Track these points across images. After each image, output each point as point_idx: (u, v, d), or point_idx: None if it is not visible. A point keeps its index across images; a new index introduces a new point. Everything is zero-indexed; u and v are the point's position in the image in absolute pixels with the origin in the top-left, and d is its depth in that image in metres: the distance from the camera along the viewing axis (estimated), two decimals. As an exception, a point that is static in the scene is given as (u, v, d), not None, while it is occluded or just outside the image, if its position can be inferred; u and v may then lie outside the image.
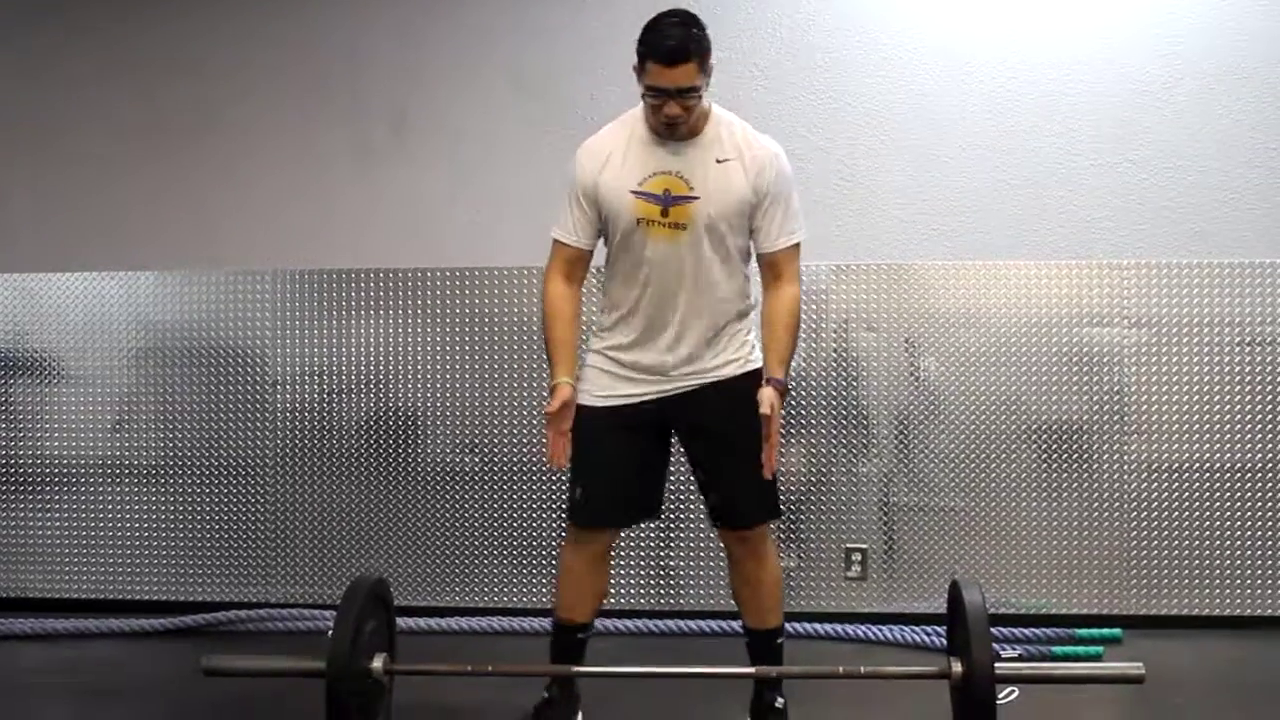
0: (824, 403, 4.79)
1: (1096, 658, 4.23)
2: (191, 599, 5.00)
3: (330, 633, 3.06)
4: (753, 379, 3.36)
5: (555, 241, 3.44)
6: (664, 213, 3.33)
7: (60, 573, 5.08)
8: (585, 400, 3.39)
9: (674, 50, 3.16)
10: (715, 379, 3.41)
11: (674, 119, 3.24)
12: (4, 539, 5.12)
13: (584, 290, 3.49)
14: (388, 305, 4.99)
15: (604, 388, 3.41)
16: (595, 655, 3.72)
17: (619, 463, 3.43)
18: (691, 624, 4.68)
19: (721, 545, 3.60)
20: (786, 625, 4.57)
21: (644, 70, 3.21)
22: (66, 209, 5.30)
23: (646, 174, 3.33)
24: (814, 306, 4.79)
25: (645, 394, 3.41)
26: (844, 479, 4.78)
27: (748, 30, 5.00)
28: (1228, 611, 4.63)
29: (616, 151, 3.36)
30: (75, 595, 5.06)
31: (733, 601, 3.64)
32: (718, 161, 3.34)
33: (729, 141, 3.37)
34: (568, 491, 3.48)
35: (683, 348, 3.39)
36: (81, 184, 5.30)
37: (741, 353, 3.45)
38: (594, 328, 3.51)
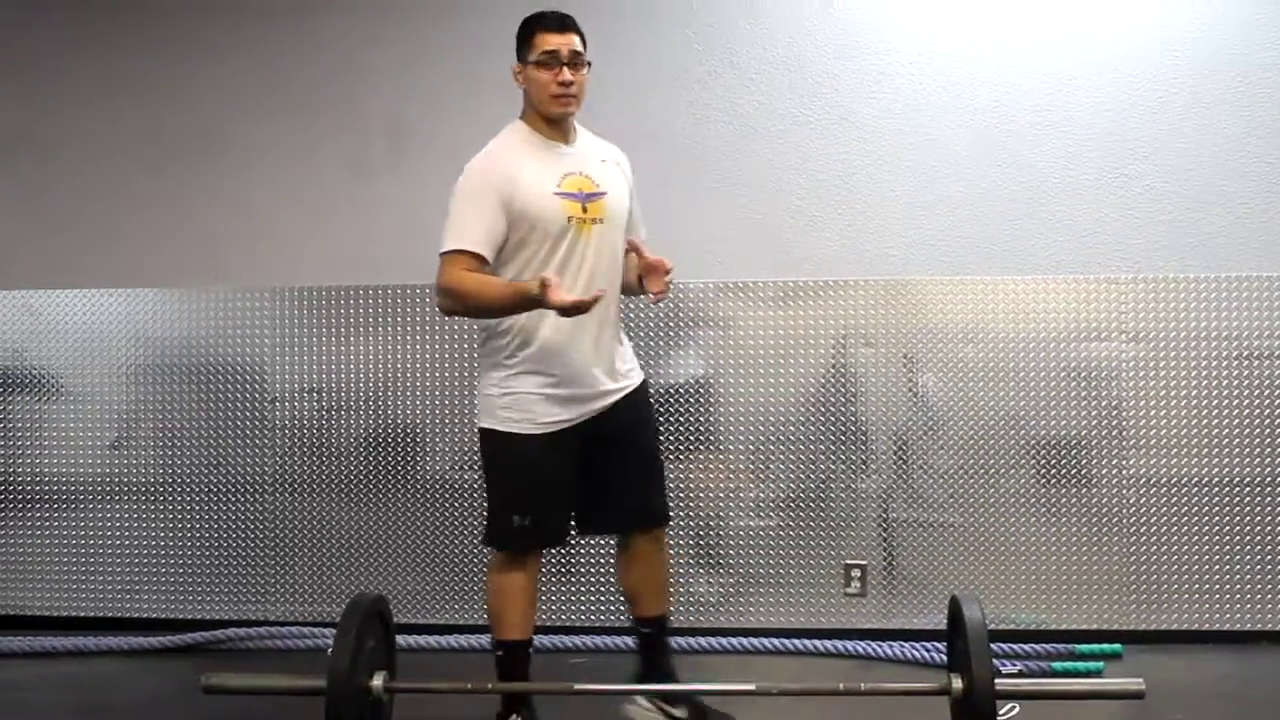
0: (823, 418, 4.79)
1: (1097, 673, 4.23)
2: (191, 616, 4.99)
3: (330, 650, 3.07)
4: (645, 384, 3.67)
5: (457, 253, 3.36)
6: (584, 209, 3.45)
7: (59, 590, 5.07)
8: (523, 429, 3.44)
9: (562, 17, 3.45)
10: (626, 389, 3.57)
11: (568, 84, 3.39)
12: (2, 557, 5.11)
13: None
14: (387, 321, 4.99)
15: (541, 414, 3.45)
16: (576, 672, 3.73)
17: (561, 488, 3.54)
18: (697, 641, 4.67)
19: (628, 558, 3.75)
20: (787, 641, 4.62)
21: (533, 45, 3.40)
22: (66, 225, 5.30)
23: (559, 176, 3.44)
24: (811, 322, 4.79)
25: (577, 416, 3.48)
26: (843, 495, 4.78)
27: (745, 47, 5.02)
28: (1228, 627, 4.63)
29: (521, 161, 3.43)
30: (74, 613, 5.05)
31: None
32: (601, 161, 3.56)
33: (599, 146, 3.62)
34: (494, 520, 3.54)
35: (603, 347, 3.50)
36: (81, 200, 5.30)
37: (633, 360, 3.68)
38: (501, 355, 3.49)
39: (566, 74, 3.39)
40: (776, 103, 5.00)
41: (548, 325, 3.38)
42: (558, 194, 3.41)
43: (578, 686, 3.53)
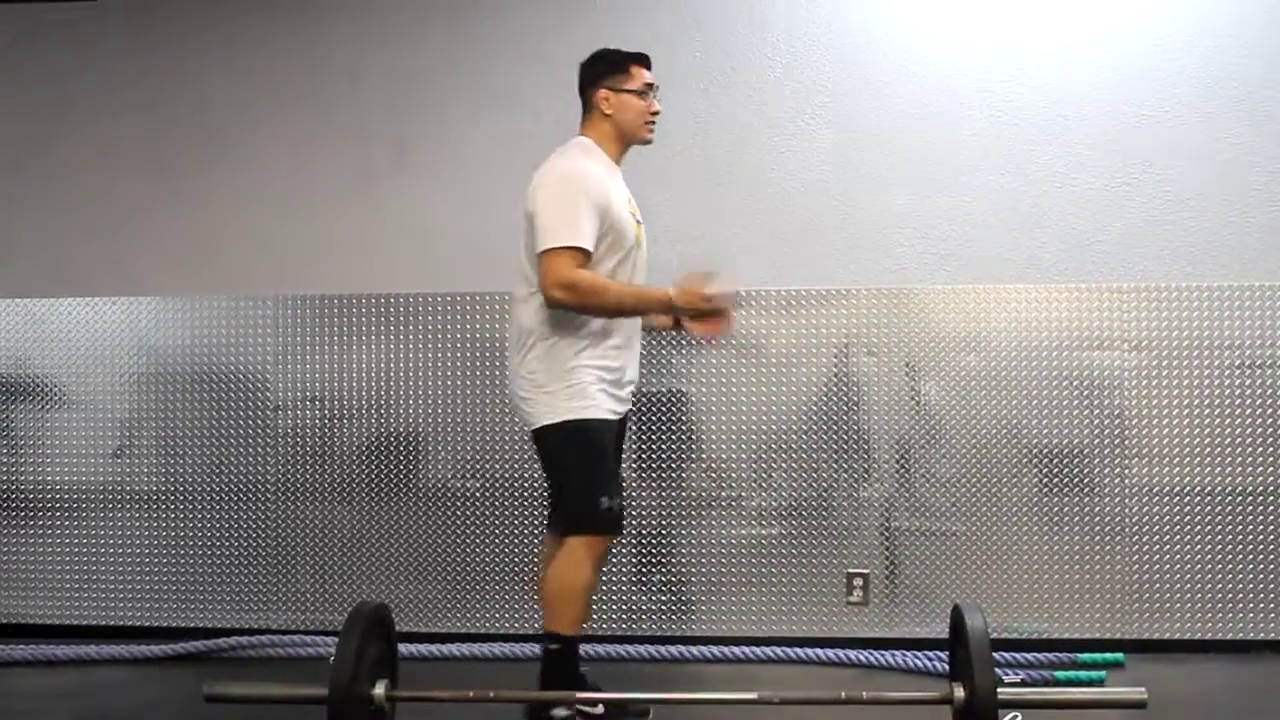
0: (825, 427, 4.79)
1: (1099, 682, 4.22)
2: (193, 625, 4.99)
3: (332, 659, 3.07)
4: None
5: (572, 249, 3.49)
6: (639, 232, 3.76)
7: (62, 599, 5.07)
8: (597, 414, 3.59)
9: (648, 57, 3.82)
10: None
11: (657, 114, 3.79)
12: (5, 565, 5.11)
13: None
14: (389, 329, 5.00)
15: (607, 405, 3.63)
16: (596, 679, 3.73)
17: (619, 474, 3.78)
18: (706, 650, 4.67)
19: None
20: (789, 650, 4.62)
21: (632, 75, 3.74)
22: (69, 233, 5.30)
23: (625, 198, 3.73)
24: (814, 330, 4.80)
25: (622, 411, 3.74)
26: (845, 504, 4.78)
27: (747, 56, 5.02)
28: (1230, 636, 4.63)
29: (608, 177, 3.67)
30: (77, 621, 5.05)
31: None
32: None
33: None
34: (587, 506, 3.55)
35: (637, 352, 3.81)
36: (84, 208, 5.30)
37: None
38: (571, 351, 3.60)
39: (657, 105, 3.78)
40: (776, 111, 5.00)
41: (620, 330, 3.67)
42: (632, 214, 3.71)
43: (580, 695, 3.51)
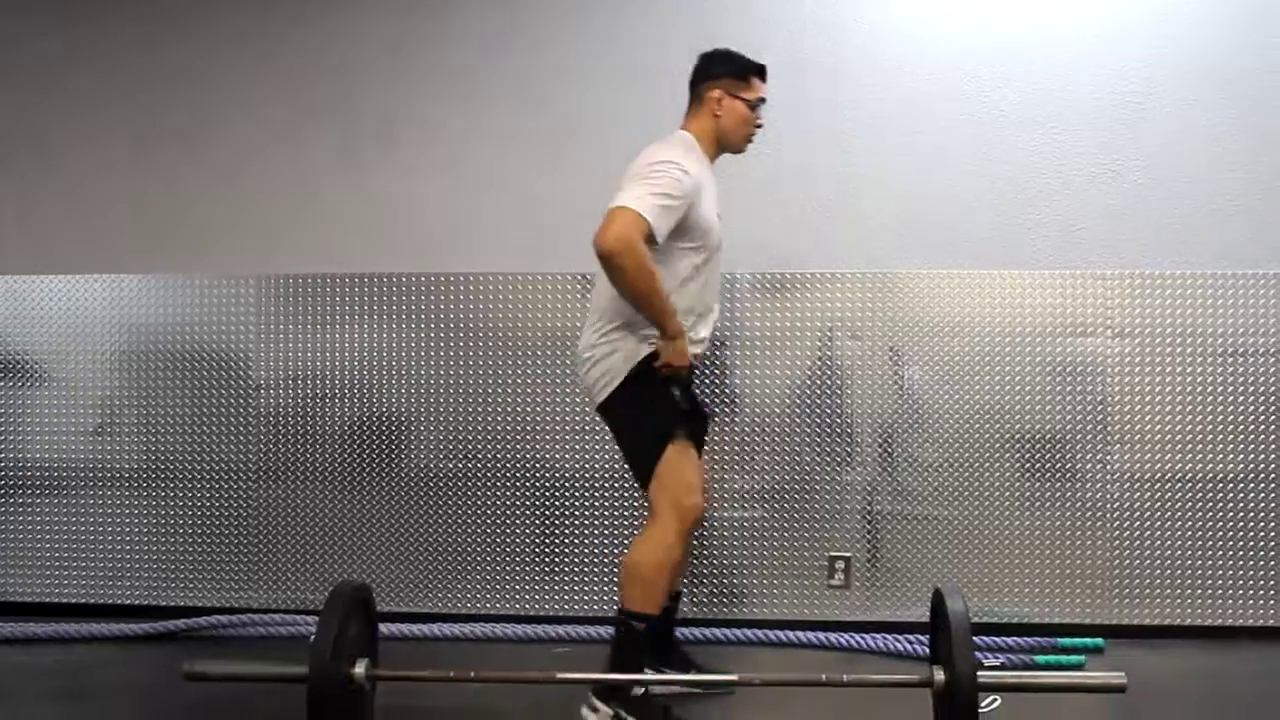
0: (808, 411, 4.80)
1: (1079, 667, 4.25)
2: (174, 604, 4.98)
3: (312, 638, 3.06)
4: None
5: (645, 220, 3.40)
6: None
7: (42, 577, 5.06)
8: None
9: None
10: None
11: (760, 127, 3.83)
12: (-15, 542, 5.11)
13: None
14: (373, 310, 4.98)
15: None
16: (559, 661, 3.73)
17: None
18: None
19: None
20: (770, 633, 4.63)
21: (752, 86, 3.78)
22: (52, 212, 5.27)
23: (715, 198, 3.72)
24: (798, 314, 4.80)
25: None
26: (827, 487, 4.79)
27: (739, 40, 4.99)
28: (1210, 621, 4.65)
29: (705, 177, 3.66)
30: (57, 599, 5.04)
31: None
32: None
33: None
34: (664, 430, 3.57)
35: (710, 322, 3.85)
36: (67, 187, 5.28)
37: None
38: (634, 319, 3.60)
39: (762, 119, 3.82)
40: (766, 95, 4.98)
41: (704, 324, 3.76)
42: (716, 215, 3.71)
43: (560, 675, 3.51)
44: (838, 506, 4.78)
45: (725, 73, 3.76)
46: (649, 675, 3.64)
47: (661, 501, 3.53)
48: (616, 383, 3.59)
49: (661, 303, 3.46)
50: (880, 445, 4.79)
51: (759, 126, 3.82)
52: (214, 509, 5.02)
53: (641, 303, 3.45)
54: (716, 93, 3.73)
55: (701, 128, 3.76)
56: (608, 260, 3.37)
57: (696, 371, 3.84)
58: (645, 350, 3.57)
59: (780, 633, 4.63)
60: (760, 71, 3.80)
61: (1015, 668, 4.23)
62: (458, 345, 4.93)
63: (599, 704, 3.50)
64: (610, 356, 3.61)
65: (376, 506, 4.95)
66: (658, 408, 3.57)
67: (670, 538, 3.51)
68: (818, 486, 4.79)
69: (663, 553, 3.51)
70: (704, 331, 3.77)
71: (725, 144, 3.79)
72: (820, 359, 4.81)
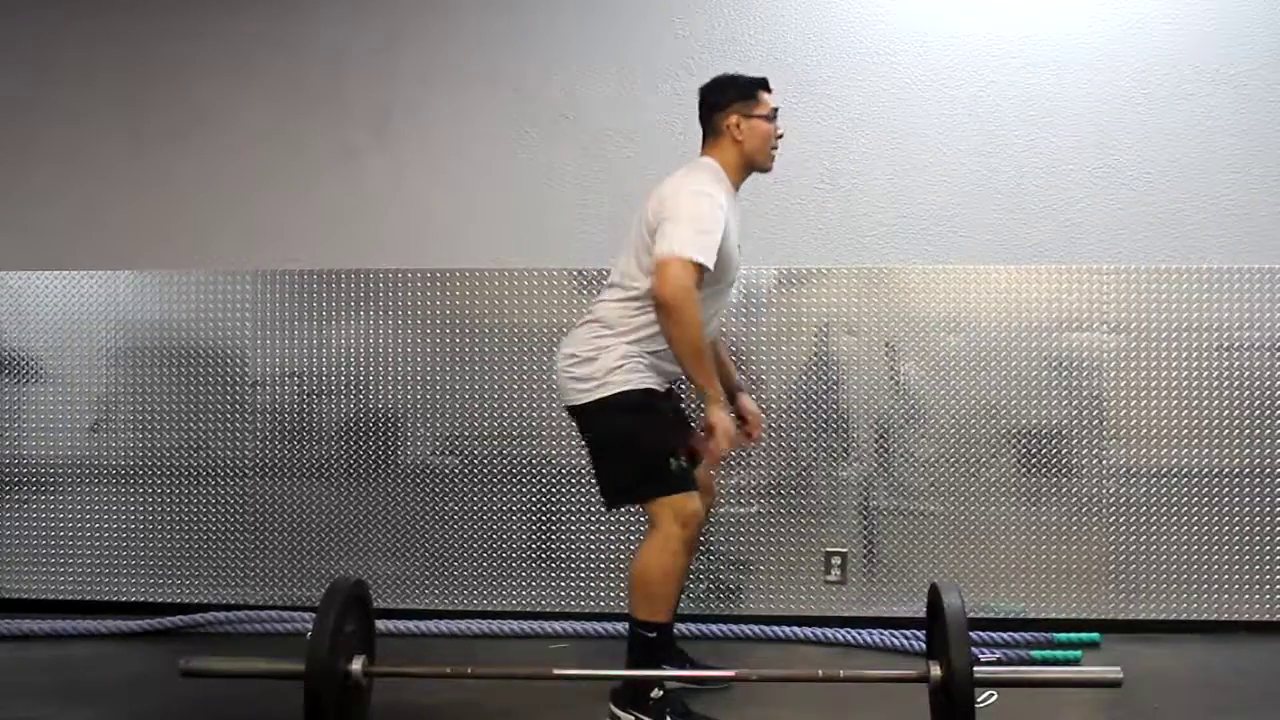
0: (804, 406, 4.80)
1: (1075, 662, 4.25)
2: (170, 600, 4.98)
3: (309, 634, 3.06)
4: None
5: (697, 265, 3.44)
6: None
7: (37, 573, 5.05)
8: (645, 383, 3.61)
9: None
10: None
11: (781, 138, 3.81)
12: (-20, 539, 5.10)
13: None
14: (368, 306, 4.97)
15: (651, 377, 3.64)
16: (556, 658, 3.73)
17: None
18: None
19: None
20: (767, 628, 4.63)
21: (761, 100, 3.75)
22: (46, 207, 5.26)
23: (738, 229, 3.69)
24: (794, 310, 4.80)
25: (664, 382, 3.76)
26: (824, 483, 4.79)
27: (730, 35, 5.01)
28: (1205, 616, 4.65)
29: (731, 208, 3.63)
30: (52, 596, 5.03)
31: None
32: None
33: None
34: (657, 468, 3.54)
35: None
36: (61, 182, 5.27)
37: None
38: (630, 332, 3.62)
39: (781, 128, 3.80)
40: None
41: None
42: (737, 246, 3.69)
43: (557, 671, 3.51)
44: (834, 502, 4.78)
45: (735, 97, 3.74)
46: (650, 672, 3.63)
47: (662, 510, 3.53)
48: (606, 393, 3.58)
49: (704, 369, 3.50)
50: (876, 441, 4.79)
51: (780, 137, 3.81)
52: (210, 505, 5.01)
53: (691, 357, 3.47)
54: (733, 119, 3.72)
55: (726, 157, 3.74)
56: (669, 311, 3.43)
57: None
58: (645, 378, 3.60)
59: (777, 628, 4.63)
60: (764, 84, 3.80)
61: (1011, 663, 4.22)
62: (453, 341, 4.93)
63: (619, 712, 3.50)
64: (603, 357, 3.60)
65: (373, 503, 4.95)
66: (652, 424, 3.61)
67: (674, 544, 3.50)
68: (814, 482, 4.79)
69: (668, 560, 3.50)
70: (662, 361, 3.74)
71: (754, 165, 3.78)
72: (816, 354, 4.81)
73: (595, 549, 4.83)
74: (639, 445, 3.57)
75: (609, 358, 3.59)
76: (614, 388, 3.57)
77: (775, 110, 3.79)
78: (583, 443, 3.74)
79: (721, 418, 3.53)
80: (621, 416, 3.58)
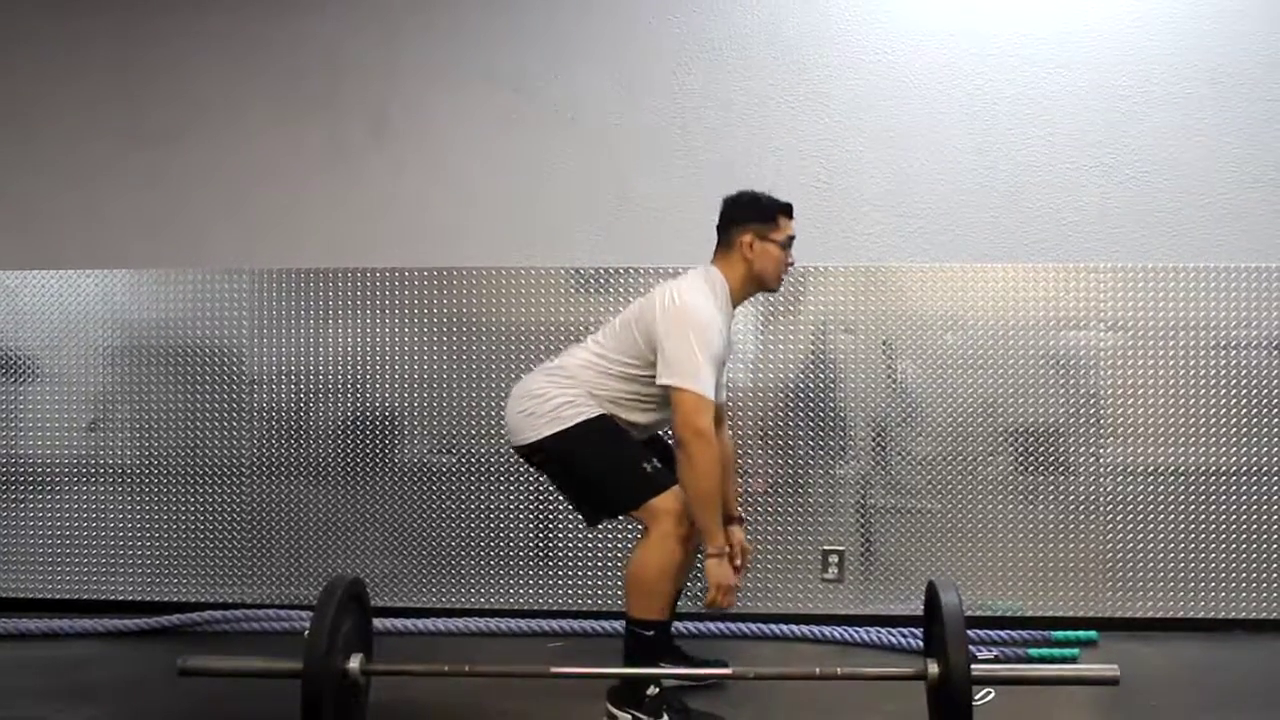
0: (801, 405, 4.80)
1: (1072, 660, 4.25)
2: (167, 599, 4.97)
3: (307, 633, 3.05)
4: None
5: (708, 400, 3.52)
6: None
7: (34, 572, 5.05)
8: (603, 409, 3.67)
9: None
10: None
11: (791, 265, 3.85)
12: (-22, 538, 5.09)
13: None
14: (365, 305, 4.97)
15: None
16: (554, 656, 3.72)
17: None
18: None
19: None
20: (764, 626, 4.63)
21: (779, 226, 3.78)
22: (43, 206, 5.26)
23: (728, 344, 3.77)
24: (791, 308, 4.80)
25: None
26: (821, 481, 4.79)
27: (727, 34, 5.01)
28: (1203, 614, 4.66)
29: (725, 328, 3.71)
30: (50, 595, 5.03)
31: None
32: None
33: None
34: (636, 475, 3.58)
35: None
36: (59, 181, 5.26)
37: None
38: (602, 391, 3.69)
39: (793, 258, 3.85)
40: (757, 88, 4.99)
41: (646, 417, 3.73)
42: (723, 364, 3.75)
43: (554, 669, 3.51)
44: (831, 500, 4.78)
45: (754, 217, 3.78)
46: (647, 670, 3.64)
47: (658, 509, 3.54)
48: (565, 425, 3.63)
49: (711, 513, 3.52)
50: (874, 439, 4.79)
51: (790, 265, 3.84)
52: (207, 504, 5.01)
53: (699, 499, 3.50)
54: (747, 237, 3.75)
55: (734, 272, 3.78)
56: (684, 448, 3.48)
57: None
58: (603, 409, 3.66)
59: (774, 626, 4.63)
60: (787, 210, 3.82)
61: (1009, 661, 4.22)
62: (451, 340, 4.93)
63: (616, 710, 3.51)
64: (562, 394, 3.66)
65: (370, 501, 4.95)
66: (619, 438, 3.66)
67: (669, 541, 3.52)
68: (811, 480, 4.79)
69: (664, 557, 3.52)
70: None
71: (761, 285, 3.82)
72: (814, 353, 4.81)
73: (593, 547, 4.83)
74: (612, 459, 3.62)
75: (568, 394, 3.65)
76: (572, 420, 3.62)
77: (791, 238, 3.81)
78: (542, 477, 3.78)
79: (722, 573, 3.54)
80: (589, 436, 3.63)
